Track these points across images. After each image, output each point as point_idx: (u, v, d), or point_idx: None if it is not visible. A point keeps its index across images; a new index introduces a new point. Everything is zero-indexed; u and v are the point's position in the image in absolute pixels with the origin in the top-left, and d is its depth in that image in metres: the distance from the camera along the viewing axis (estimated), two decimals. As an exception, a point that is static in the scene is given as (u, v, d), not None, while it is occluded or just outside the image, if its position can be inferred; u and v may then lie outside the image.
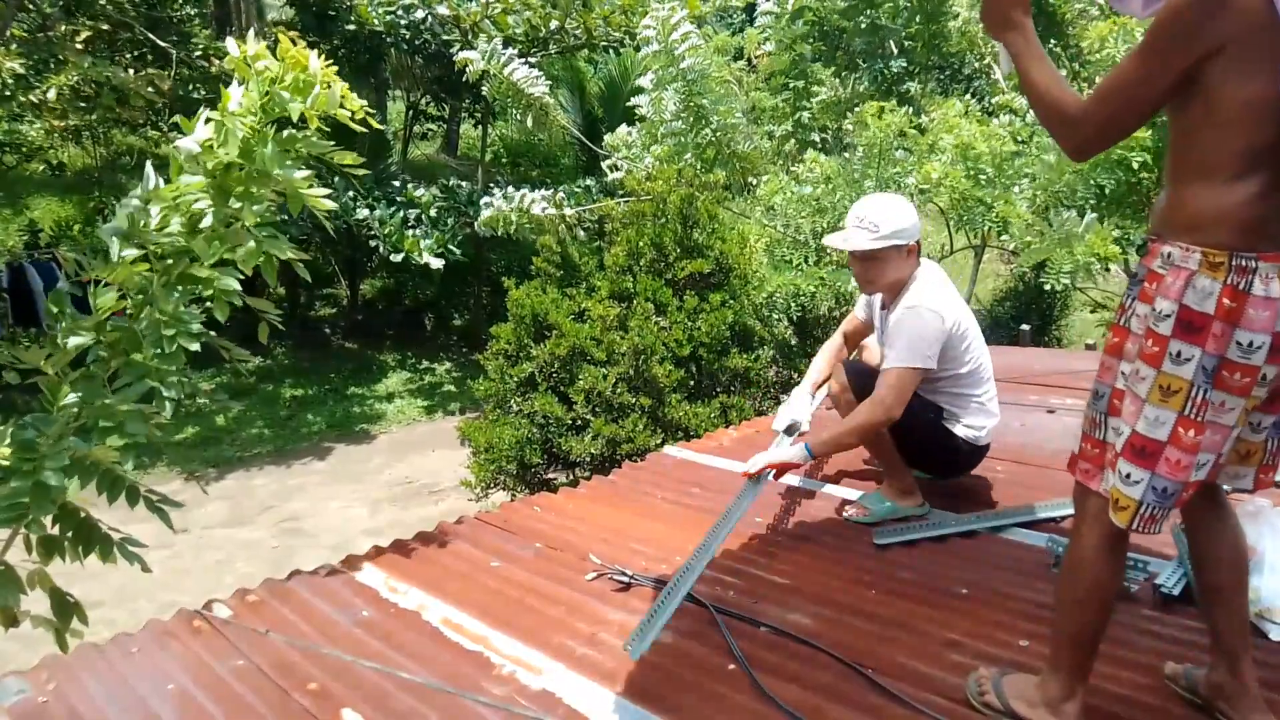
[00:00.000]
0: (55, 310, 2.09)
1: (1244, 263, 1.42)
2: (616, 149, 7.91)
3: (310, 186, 2.28)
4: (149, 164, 2.23)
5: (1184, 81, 1.44)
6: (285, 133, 2.31)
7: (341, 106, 2.37)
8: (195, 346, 2.17)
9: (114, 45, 10.20)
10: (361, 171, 2.49)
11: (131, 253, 2.12)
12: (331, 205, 2.34)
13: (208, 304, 2.23)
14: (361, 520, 7.22)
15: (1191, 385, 1.47)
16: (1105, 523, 1.63)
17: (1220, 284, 1.43)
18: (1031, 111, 1.67)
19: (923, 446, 2.85)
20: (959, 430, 2.84)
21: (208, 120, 2.25)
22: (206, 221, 2.13)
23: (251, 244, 2.19)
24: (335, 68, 2.37)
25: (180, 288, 2.18)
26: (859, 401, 2.76)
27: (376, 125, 2.56)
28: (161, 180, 2.20)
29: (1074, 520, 1.72)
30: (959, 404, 2.84)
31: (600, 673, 2.06)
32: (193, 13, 11.11)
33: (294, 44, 2.34)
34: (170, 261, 2.17)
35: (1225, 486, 1.70)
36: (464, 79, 7.82)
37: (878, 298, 2.96)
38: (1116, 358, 1.60)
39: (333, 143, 2.37)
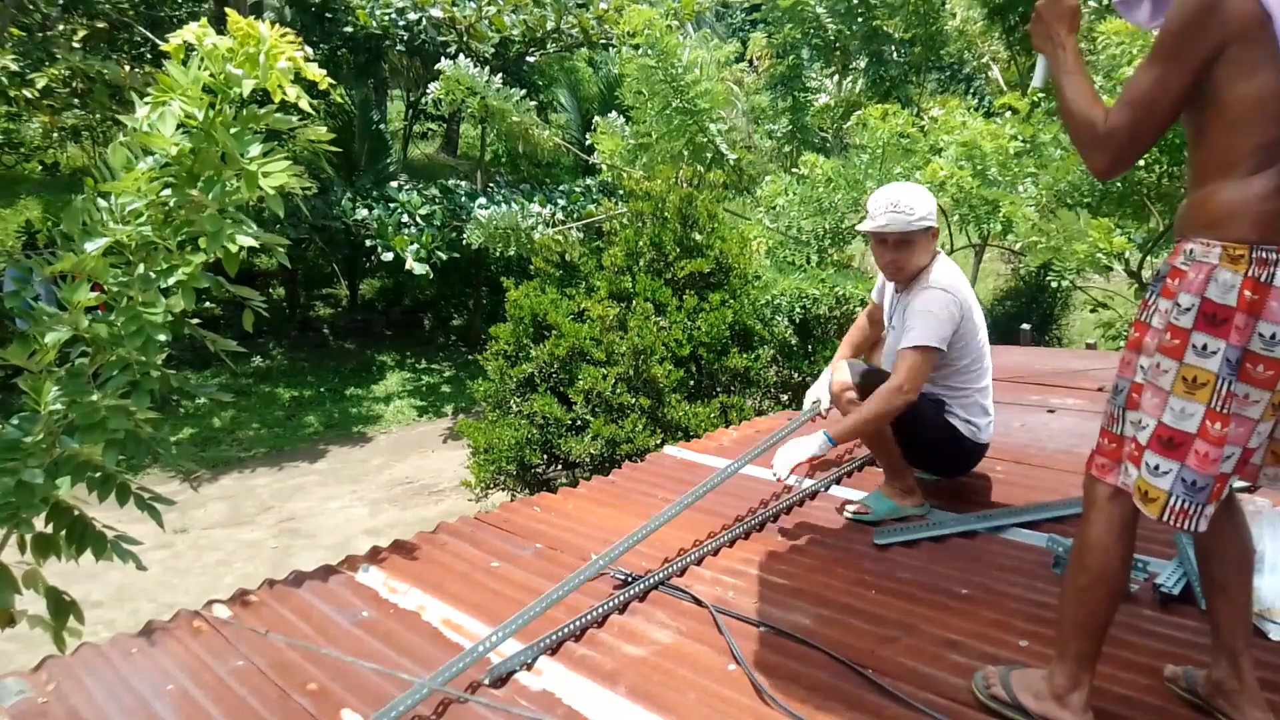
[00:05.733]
0: (16, 309, 2.08)
1: (1265, 255, 1.45)
2: (599, 141, 7.96)
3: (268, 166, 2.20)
4: (100, 158, 2.21)
5: (1198, 83, 1.48)
6: (244, 109, 2.26)
7: (298, 80, 2.32)
8: (165, 335, 2.15)
9: (113, 44, 10.19)
10: (334, 149, 2.43)
11: (96, 244, 2.10)
12: (286, 179, 2.24)
13: (206, 302, 2.21)
14: (361, 520, 7.21)
15: (1217, 378, 1.48)
16: (1113, 512, 1.64)
17: (1241, 276, 1.45)
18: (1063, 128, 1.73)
19: (926, 442, 2.85)
20: (960, 425, 2.85)
21: (145, 102, 2.21)
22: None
23: (213, 228, 2.15)
24: (300, 44, 2.30)
25: (151, 274, 2.16)
26: (861, 400, 2.77)
27: (340, 98, 2.52)
28: (121, 172, 2.17)
29: (1083, 510, 1.73)
30: (960, 397, 2.86)
31: (600, 673, 2.05)
32: (192, 10, 11.10)
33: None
34: (141, 253, 2.15)
35: (1265, 487, 1.70)
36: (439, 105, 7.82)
37: (889, 286, 3.01)
38: (1136, 352, 1.62)
39: (312, 123, 2.33)
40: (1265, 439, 1.58)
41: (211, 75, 2.22)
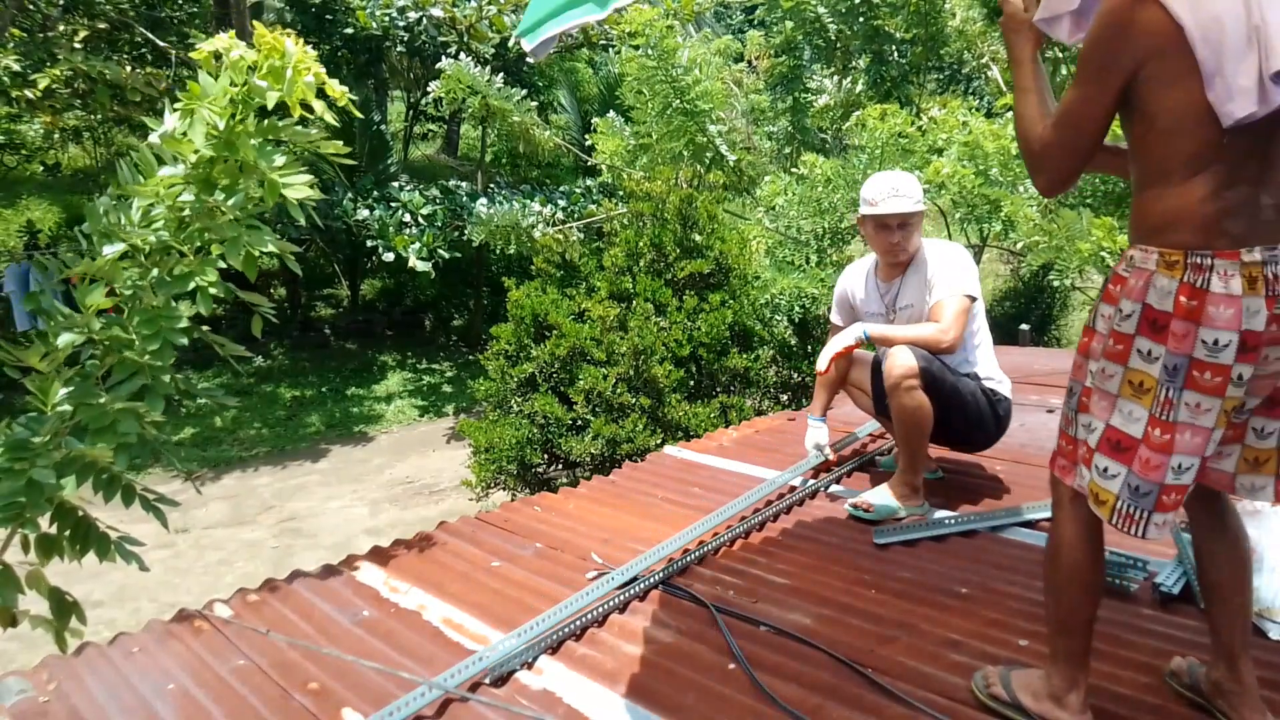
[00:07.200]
0: (36, 309, 2.09)
1: (1200, 260, 1.45)
2: (599, 142, 7.98)
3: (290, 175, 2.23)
4: (122, 161, 2.22)
5: (1122, 99, 1.51)
6: (265, 121, 2.28)
7: (322, 96, 2.34)
8: (183, 340, 2.17)
9: (113, 45, 10.20)
10: (349, 161, 2.46)
11: (115, 248, 2.11)
12: (308, 192, 2.26)
13: (198, 304, 2.22)
14: (362, 520, 7.22)
15: (1158, 384, 1.49)
16: (1076, 511, 1.67)
17: (1177, 282, 1.46)
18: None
19: (980, 419, 2.93)
20: (996, 386, 2.96)
21: (175, 109, 2.24)
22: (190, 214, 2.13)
23: (232, 235, 2.17)
24: (322, 61, 2.34)
25: (167, 279, 2.17)
26: (872, 393, 2.96)
27: (358, 114, 2.54)
28: (141, 176, 2.19)
29: (1052, 509, 1.75)
30: (986, 360, 2.98)
31: (600, 673, 2.06)
32: (192, 11, 11.10)
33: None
34: (156, 257, 2.16)
35: (1245, 498, 1.70)
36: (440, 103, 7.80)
37: (858, 292, 3.13)
38: (1085, 357, 1.65)
39: (326, 136, 2.35)
40: (1238, 446, 1.59)
41: (234, 85, 2.24)
